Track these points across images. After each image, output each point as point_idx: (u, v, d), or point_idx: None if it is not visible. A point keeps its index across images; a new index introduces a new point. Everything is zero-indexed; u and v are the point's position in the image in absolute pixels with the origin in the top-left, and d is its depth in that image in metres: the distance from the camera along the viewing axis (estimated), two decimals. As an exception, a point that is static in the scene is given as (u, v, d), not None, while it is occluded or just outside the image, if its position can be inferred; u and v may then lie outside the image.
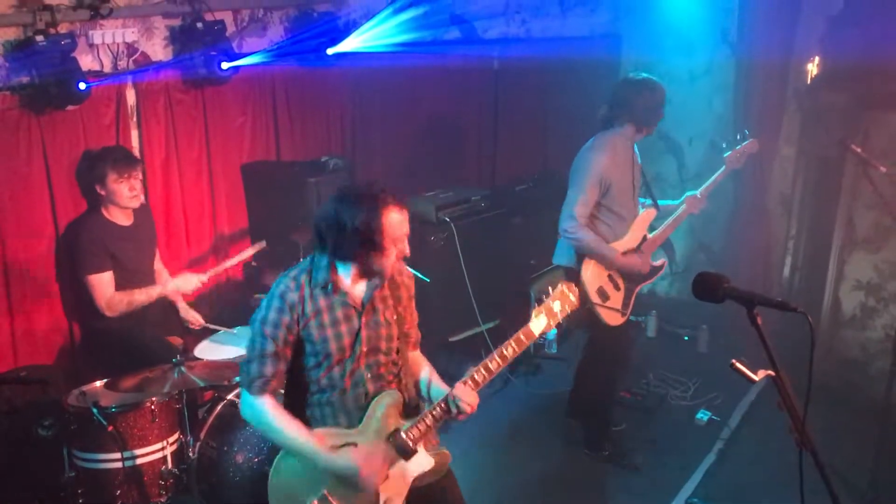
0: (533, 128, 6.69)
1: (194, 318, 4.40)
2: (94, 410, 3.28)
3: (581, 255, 4.20)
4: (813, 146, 5.69)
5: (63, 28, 3.84)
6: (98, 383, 3.58)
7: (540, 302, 2.83)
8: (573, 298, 2.86)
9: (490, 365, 2.71)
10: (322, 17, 4.94)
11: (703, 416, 5.08)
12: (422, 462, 2.75)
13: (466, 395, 2.66)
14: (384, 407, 2.70)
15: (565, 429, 4.86)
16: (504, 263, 5.77)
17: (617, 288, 4.32)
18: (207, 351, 4.09)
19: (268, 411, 2.63)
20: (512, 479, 4.40)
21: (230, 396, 3.79)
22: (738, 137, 4.50)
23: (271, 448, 3.53)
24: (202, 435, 3.65)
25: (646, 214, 4.41)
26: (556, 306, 2.82)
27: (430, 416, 2.68)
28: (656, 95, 4.20)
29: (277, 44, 4.86)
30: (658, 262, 4.48)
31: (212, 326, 4.37)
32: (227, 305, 4.84)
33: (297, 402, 2.74)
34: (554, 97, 6.63)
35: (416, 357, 2.96)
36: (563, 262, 4.36)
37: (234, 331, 4.30)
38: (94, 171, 4.01)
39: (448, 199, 5.51)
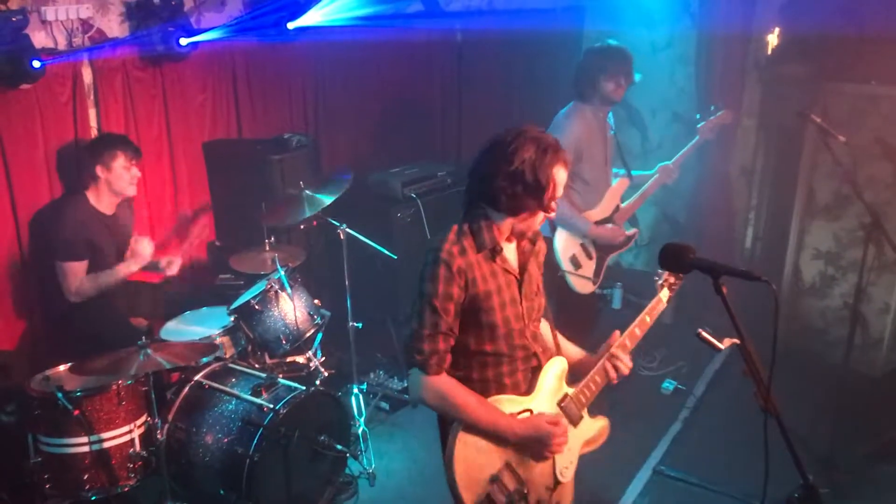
0: (497, 101, 6.66)
1: (166, 261, 4.33)
2: (59, 395, 3.23)
3: (554, 224, 4.24)
4: (773, 117, 5.76)
5: (14, 4, 3.73)
6: (62, 367, 3.52)
7: (659, 277, 2.87)
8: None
9: (636, 331, 2.71)
10: (282, -10, 4.86)
11: (668, 385, 5.17)
12: (589, 428, 2.71)
13: (624, 359, 2.63)
14: (555, 373, 2.61)
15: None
16: (471, 238, 5.77)
17: (589, 257, 4.38)
18: (173, 332, 4.06)
19: (449, 390, 2.45)
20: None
21: (198, 377, 3.77)
22: (712, 108, 4.54)
23: (241, 428, 3.53)
24: (170, 416, 3.63)
25: (619, 184, 4.45)
26: (672, 279, 2.85)
27: (594, 380, 2.62)
28: (619, 66, 4.18)
29: (237, 19, 4.77)
30: (630, 232, 4.54)
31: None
32: (194, 286, 4.79)
33: (465, 375, 2.55)
34: (518, 70, 6.62)
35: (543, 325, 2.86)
36: None
37: (196, 313, 4.29)
38: (103, 150, 3.97)
39: (414, 174, 5.49)
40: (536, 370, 2.61)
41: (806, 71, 5.26)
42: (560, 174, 2.43)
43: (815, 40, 5.13)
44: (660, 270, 2.83)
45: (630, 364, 2.65)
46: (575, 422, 2.64)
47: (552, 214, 2.50)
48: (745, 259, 6.12)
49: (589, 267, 4.39)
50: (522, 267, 2.57)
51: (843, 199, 5.10)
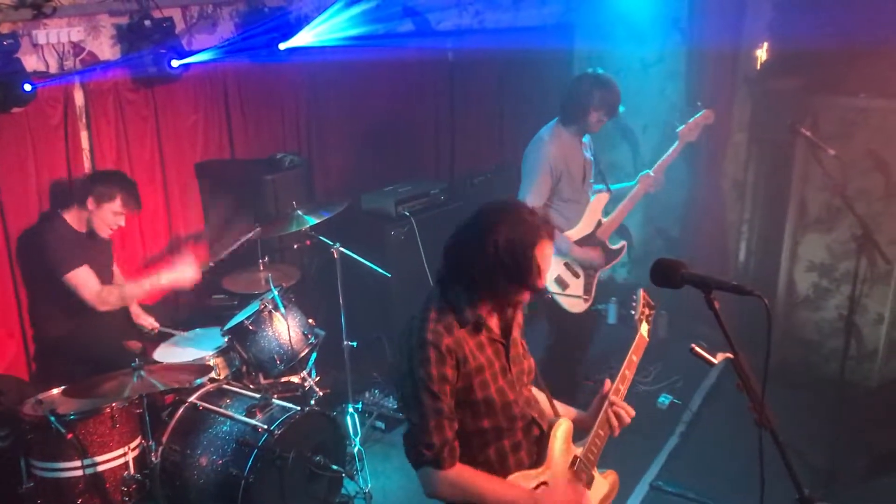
0: (489, 119, 6.70)
1: (149, 323, 4.33)
2: (52, 419, 3.21)
3: None
4: (764, 131, 5.79)
5: (5, 28, 3.74)
6: (55, 391, 3.50)
7: (635, 311, 2.89)
8: (650, 300, 2.95)
9: (626, 373, 2.66)
10: (273, 12, 4.88)
11: (664, 399, 5.16)
12: (602, 487, 2.62)
13: (625, 406, 2.56)
14: (563, 436, 2.50)
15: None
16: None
17: (575, 275, 4.36)
18: (167, 354, 4.04)
19: (470, 479, 2.30)
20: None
21: (192, 399, 3.75)
22: (691, 110, 4.51)
23: (235, 449, 3.51)
24: (164, 439, 3.61)
25: (598, 200, 4.44)
26: (647, 310, 2.89)
27: (599, 435, 2.52)
28: (609, 101, 4.18)
29: (228, 40, 4.79)
30: (617, 246, 4.53)
31: (168, 331, 4.31)
32: (186, 308, 4.78)
33: (468, 459, 2.36)
34: (509, 88, 6.66)
35: None
36: None
37: (190, 335, 4.27)
38: (102, 186, 3.96)
39: (407, 193, 5.50)
40: (539, 438, 2.49)
41: (795, 84, 5.30)
42: (546, 250, 2.32)
43: (803, 54, 5.17)
44: (633, 303, 2.83)
45: (632, 412, 2.57)
46: (589, 483, 2.54)
47: (543, 285, 2.43)
48: (740, 272, 6.13)
49: (577, 285, 4.37)
50: (506, 332, 2.45)
51: (835, 211, 5.12)
